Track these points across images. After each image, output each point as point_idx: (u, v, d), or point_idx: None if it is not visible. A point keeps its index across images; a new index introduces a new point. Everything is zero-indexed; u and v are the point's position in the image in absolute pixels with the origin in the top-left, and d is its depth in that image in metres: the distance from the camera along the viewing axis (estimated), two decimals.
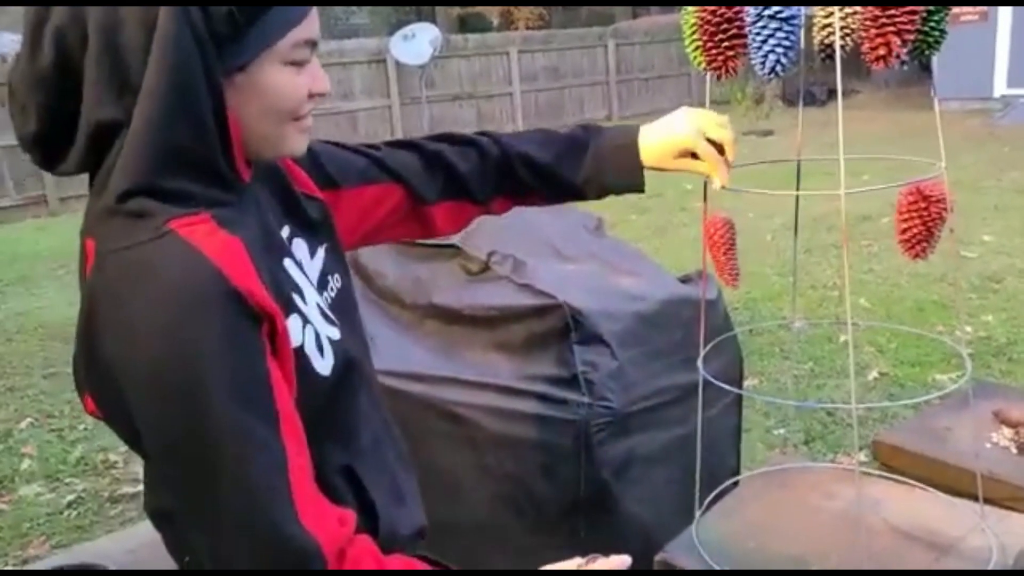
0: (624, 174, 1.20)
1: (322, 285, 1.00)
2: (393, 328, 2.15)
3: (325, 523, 0.82)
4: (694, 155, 1.18)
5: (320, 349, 0.91)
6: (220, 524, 0.80)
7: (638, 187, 1.21)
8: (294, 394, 0.84)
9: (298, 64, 0.88)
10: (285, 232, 0.97)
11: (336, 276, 1.03)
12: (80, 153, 0.83)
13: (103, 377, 0.81)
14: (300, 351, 0.88)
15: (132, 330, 0.77)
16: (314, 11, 0.88)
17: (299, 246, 0.99)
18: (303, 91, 0.89)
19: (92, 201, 0.85)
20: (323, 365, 0.91)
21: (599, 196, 1.23)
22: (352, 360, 0.96)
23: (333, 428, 0.96)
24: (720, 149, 1.17)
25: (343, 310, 1.02)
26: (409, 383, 2.02)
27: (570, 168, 1.20)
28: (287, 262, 0.94)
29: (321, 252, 1.02)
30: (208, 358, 0.76)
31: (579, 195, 1.24)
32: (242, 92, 0.85)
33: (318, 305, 0.95)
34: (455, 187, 1.20)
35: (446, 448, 1.99)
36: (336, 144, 1.15)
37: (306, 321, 0.91)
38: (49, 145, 0.85)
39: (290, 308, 0.89)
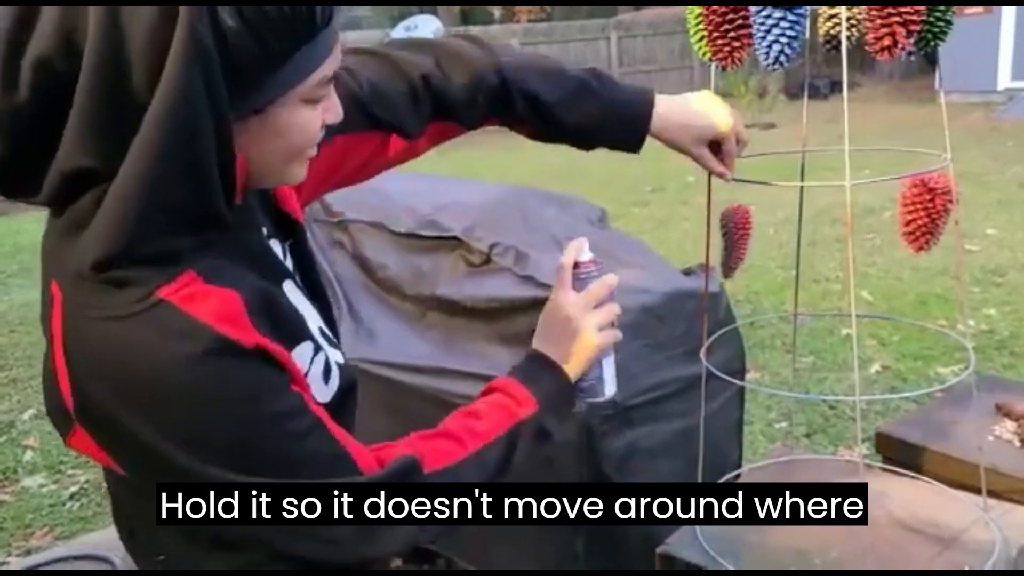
0: (626, 138, 1.13)
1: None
2: (394, 320, 2.15)
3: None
4: (710, 146, 1.15)
5: (327, 376, 0.87)
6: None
7: (634, 151, 1.15)
8: None
9: (316, 101, 0.80)
10: (264, 231, 0.90)
11: (298, 276, 0.94)
12: (51, 193, 0.74)
13: (110, 424, 0.75)
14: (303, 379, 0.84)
15: (150, 400, 0.72)
16: (339, 40, 0.80)
17: (275, 247, 0.91)
18: (319, 127, 0.82)
19: (57, 238, 0.76)
20: (324, 392, 0.87)
21: (590, 148, 1.16)
22: (354, 382, 0.92)
23: None
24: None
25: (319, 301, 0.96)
26: (410, 375, 2.01)
27: (573, 113, 1.10)
28: (287, 285, 0.88)
29: (289, 250, 0.94)
30: (246, 418, 0.74)
31: (571, 142, 1.15)
32: (254, 133, 0.77)
33: (320, 328, 0.90)
34: (442, 112, 1.08)
35: None
36: None
37: (318, 348, 0.86)
38: (12, 177, 0.75)
39: (300, 336, 0.84)
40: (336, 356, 0.90)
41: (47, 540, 2.76)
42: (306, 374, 0.83)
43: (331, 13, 0.76)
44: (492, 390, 0.96)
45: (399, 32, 11.16)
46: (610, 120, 1.11)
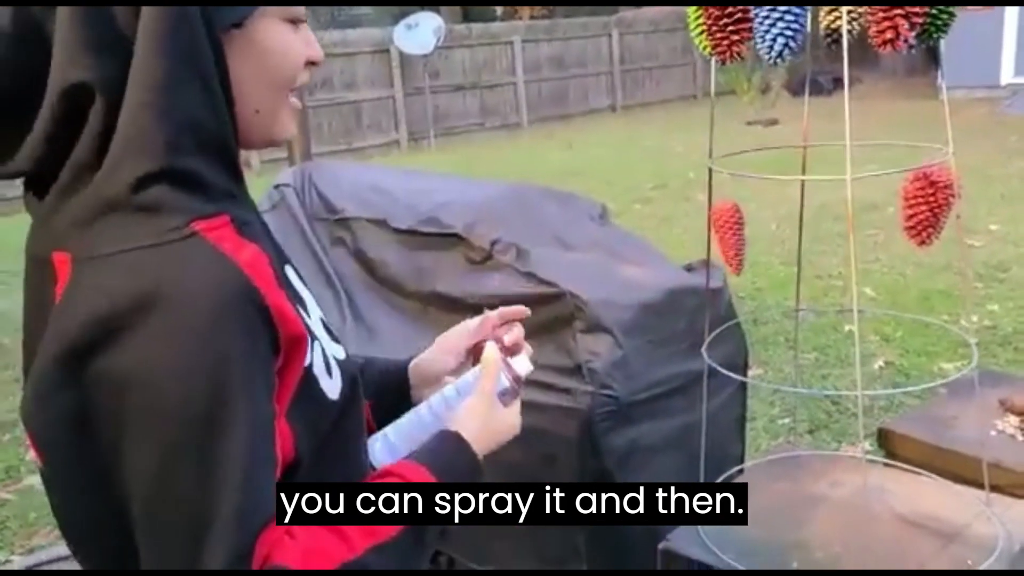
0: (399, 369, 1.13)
1: None
2: (395, 316, 2.15)
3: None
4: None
5: (328, 369, 0.83)
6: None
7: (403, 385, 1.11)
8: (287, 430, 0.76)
9: (296, 22, 0.82)
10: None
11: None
12: (41, 137, 0.70)
13: (85, 406, 0.70)
14: (308, 371, 0.79)
15: (155, 340, 0.67)
16: None
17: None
18: (301, 55, 0.82)
19: (56, 208, 0.73)
20: (331, 387, 0.83)
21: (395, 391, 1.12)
22: (356, 380, 0.88)
23: (337, 456, 0.87)
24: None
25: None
26: None
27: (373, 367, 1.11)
28: (288, 269, 0.85)
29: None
30: (236, 385, 0.68)
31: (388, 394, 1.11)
32: (240, 53, 0.77)
33: (321, 320, 0.87)
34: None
35: None
36: None
37: (313, 338, 0.81)
38: None
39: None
40: (334, 350, 0.86)
41: (50, 539, 2.76)
42: (310, 365, 0.79)
43: None
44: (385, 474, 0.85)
45: (400, 30, 11.14)
46: (384, 373, 1.11)
